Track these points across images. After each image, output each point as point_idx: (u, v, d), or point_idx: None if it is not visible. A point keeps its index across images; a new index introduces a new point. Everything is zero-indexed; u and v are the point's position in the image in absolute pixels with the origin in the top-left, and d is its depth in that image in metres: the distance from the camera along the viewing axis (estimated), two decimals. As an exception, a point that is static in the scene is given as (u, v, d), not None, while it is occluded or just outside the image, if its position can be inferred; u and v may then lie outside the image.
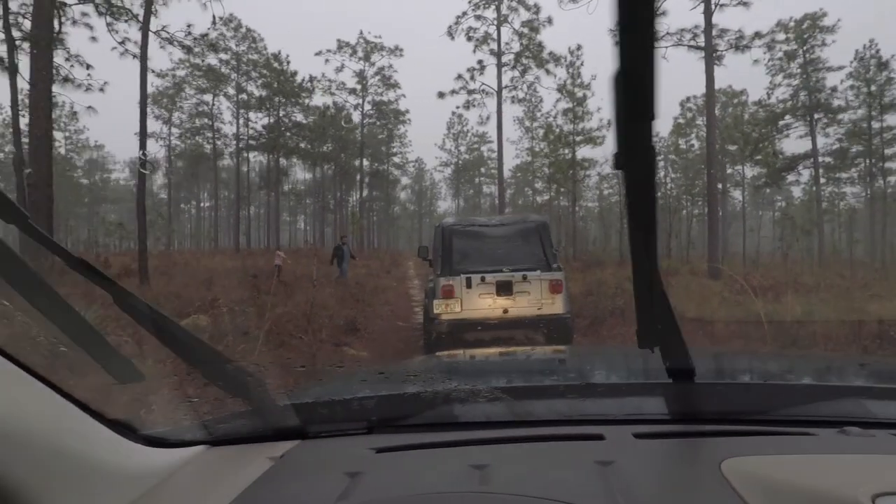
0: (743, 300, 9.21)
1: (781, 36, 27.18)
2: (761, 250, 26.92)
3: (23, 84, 12.76)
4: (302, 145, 35.73)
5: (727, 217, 34.72)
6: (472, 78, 27.17)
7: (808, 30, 27.31)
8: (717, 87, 18.96)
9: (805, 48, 27.85)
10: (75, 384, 0.80)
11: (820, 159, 28.95)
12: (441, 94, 28.09)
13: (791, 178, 30.49)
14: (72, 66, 14.20)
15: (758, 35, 20.74)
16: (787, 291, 9.55)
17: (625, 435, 0.99)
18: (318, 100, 44.16)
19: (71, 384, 0.78)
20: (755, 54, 27.93)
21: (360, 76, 36.58)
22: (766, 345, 6.71)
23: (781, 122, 28.47)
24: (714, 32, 18.13)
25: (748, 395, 1.16)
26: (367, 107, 38.42)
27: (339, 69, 35.86)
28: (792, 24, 27.22)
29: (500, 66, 26.61)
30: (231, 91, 34.70)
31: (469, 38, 26.53)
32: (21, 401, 0.68)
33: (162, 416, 2.73)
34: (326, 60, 36.95)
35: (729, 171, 37.01)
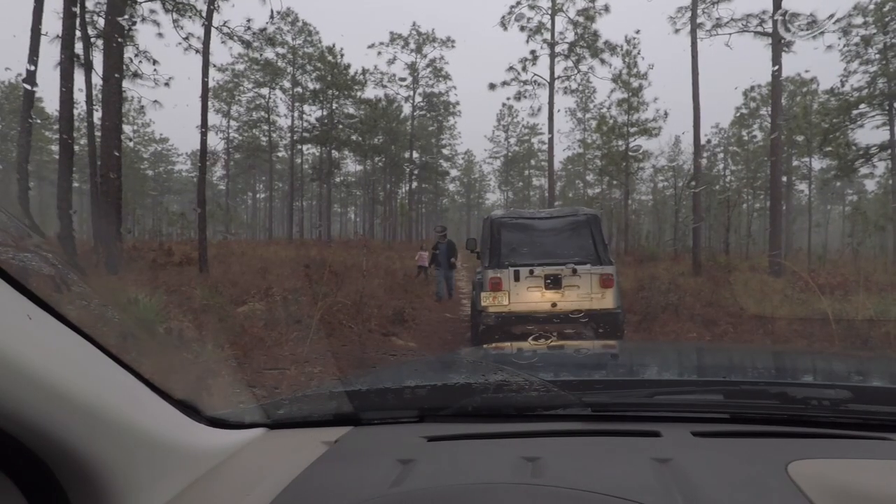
0: (807, 298, 8.74)
1: (859, 20, 25.44)
2: (829, 247, 25.47)
3: (95, 80, 13.56)
4: (353, 137, 36.37)
5: (791, 211, 32.95)
6: (524, 69, 26.81)
7: (891, 12, 25.42)
8: (784, 74, 17.97)
9: (886, 32, 25.96)
10: (142, 364, 0.84)
11: (898, 150, 27.00)
12: (492, 86, 27.88)
13: (864, 170, 28.61)
14: (140, 62, 14.97)
15: (832, 19, 19.46)
16: (857, 289, 8.98)
17: (682, 433, 0.97)
18: (370, 92, 44.91)
19: (138, 364, 0.82)
20: (829, 39, 26.24)
21: (412, 68, 36.83)
22: (834, 345, 6.36)
23: (855, 112, 26.70)
24: (783, 17, 17.16)
25: (814, 395, 1.10)
26: (418, 99, 38.73)
27: (392, 61, 36.28)
28: (872, 6, 25.41)
29: (553, 56, 26.13)
30: (287, 84, 35.69)
31: (522, 29, 26.17)
32: (100, 380, 0.72)
33: (220, 398, 2.85)
34: (379, 53, 37.40)
35: (795, 163, 35.10)
